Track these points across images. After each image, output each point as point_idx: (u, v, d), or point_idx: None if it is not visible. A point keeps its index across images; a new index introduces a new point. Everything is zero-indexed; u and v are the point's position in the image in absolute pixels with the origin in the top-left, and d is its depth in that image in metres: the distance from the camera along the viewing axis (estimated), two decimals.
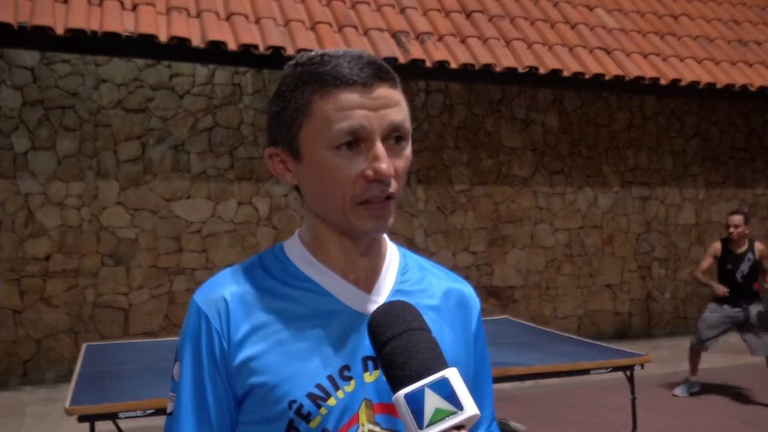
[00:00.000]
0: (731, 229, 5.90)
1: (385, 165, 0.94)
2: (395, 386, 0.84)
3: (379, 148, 0.94)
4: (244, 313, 0.98)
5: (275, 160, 1.03)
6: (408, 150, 1.00)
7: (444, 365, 0.84)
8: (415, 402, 0.82)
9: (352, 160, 0.95)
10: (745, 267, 5.90)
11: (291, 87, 0.99)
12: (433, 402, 0.81)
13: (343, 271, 1.03)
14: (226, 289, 1.00)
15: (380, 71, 0.97)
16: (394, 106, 0.97)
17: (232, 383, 0.98)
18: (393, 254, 1.09)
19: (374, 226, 0.97)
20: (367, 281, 1.04)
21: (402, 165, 0.98)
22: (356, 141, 0.95)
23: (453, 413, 0.81)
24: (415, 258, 1.14)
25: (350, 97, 0.94)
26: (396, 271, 1.08)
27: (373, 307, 1.00)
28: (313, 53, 1.00)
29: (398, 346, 0.86)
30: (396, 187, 0.97)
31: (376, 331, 0.89)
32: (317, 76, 0.96)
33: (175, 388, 1.00)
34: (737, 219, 5.89)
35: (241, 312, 0.98)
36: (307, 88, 0.97)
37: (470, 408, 0.81)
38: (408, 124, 0.99)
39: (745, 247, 5.94)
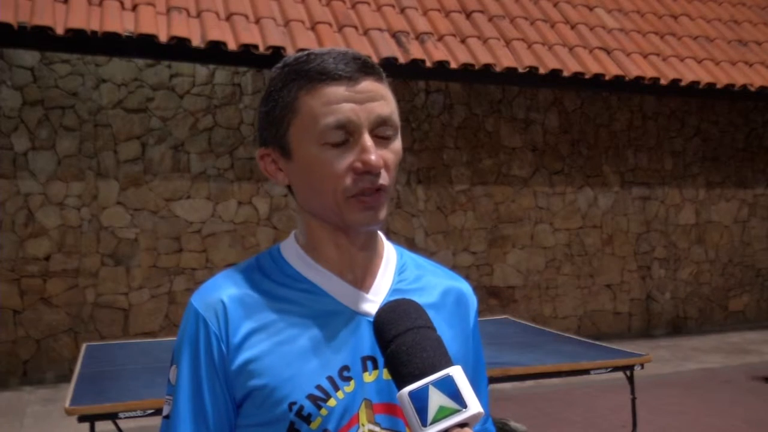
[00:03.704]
0: None
1: (374, 156, 0.94)
2: (399, 384, 0.84)
3: (367, 140, 0.95)
4: (243, 316, 0.98)
5: (267, 160, 1.04)
6: (397, 144, 1.00)
7: (448, 363, 0.84)
8: (419, 399, 0.82)
9: (341, 154, 0.95)
10: None
11: (278, 87, 1.00)
12: (437, 400, 0.81)
13: (340, 271, 1.03)
14: (223, 291, 1.00)
15: (365, 65, 0.98)
16: (380, 99, 0.97)
17: (230, 387, 0.97)
18: (390, 253, 1.09)
19: (366, 218, 0.97)
20: (365, 281, 1.04)
21: (392, 158, 0.98)
22: (345, 137, 0.95)
23: (457, 411, 0.81)
24: (412, 256, 1.14)
25: (336, 91, 0.95)
26: (394, 270, 1.08)
27: (371, 307, 1.01)
28: (300, 53, 1.01)
29: (403, 344, 0.86)
30: (387, 180, 0.97)
31: (381, 328, 0.89)
32: (303, 74, 0.97)
33: (172, 391, 1.00)
34: None
35: (239, 315, 0.98)
36: (293, 85, 0.98)
37: (474, 406, 0.81)
38: (396, 118, 0.99)
39: None
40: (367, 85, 0.96)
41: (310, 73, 0.96)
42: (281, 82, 0.99)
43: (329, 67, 0.96)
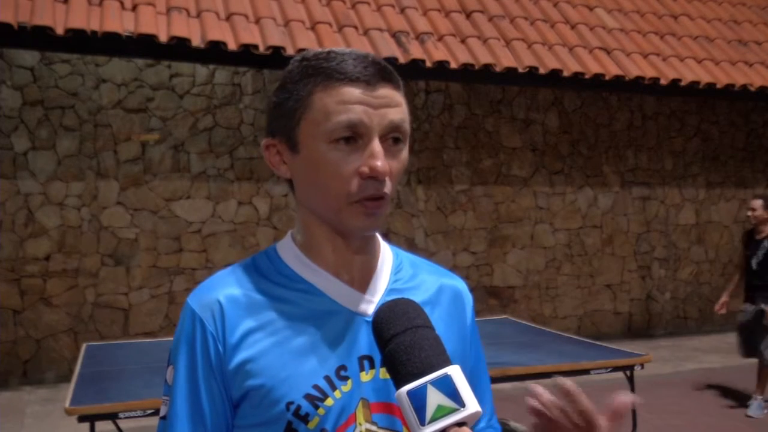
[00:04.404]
0: (749, 213, 5.70)
1: (380, 162, 0.94)
2: (398, 383, 0.84)
3: (377, 145, 0.95)
4: (239, 316, 0.98)
5: (272, 151, 1.03)
6: (405, 153, 1.00)
7: (447, 362, 0.84)
8: (418, 399, 0.82)
9: (349, 155, 0.95)
10: (760, 254, 5.58)
11: (295, 80, 0.99)
12: (435, 399, 0.81)
13: (337, 271, 1.03)
14: (220, 291, 1.00)
15: (384, 71, 0.98)
16: (395, 106, 0.97)
17: (227, 387, 0.97)
18: (386, 253, 1.09)
19: (365, 224, 0.97)
20: (362, 281, 1.04)
21: (397, 167, 0.98)
22: (354, 137, 0.95)
23: (455, 410, 0.81)
24: (407, 255, 1.14)
25: (352, 92, 0.95)
26: (390, 269, 1.08)
27: (368, 307, 1.01)
28: (320, 50, 1.01)
29: (401, 343, 0.86)
30: (390, 188, 0.97)
31: (380, 328, 0.89)
32: (321, 70, 0.97)
33: (169, 391, 1.00)
34: (755, 203, 5.65)
35: (236, 315, 0.98)
36: (310, 81, 0.97)
37: (472, 405, 0.81)
38: (407, 127, 0.99)
39: (765, 234, 5.63)
40: (384, 91, 0.96)
41: (328, 70, 0.96)
42: (298, 75, 0.99)
43: (348, 68, 0.95)
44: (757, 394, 5.61)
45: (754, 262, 5.63)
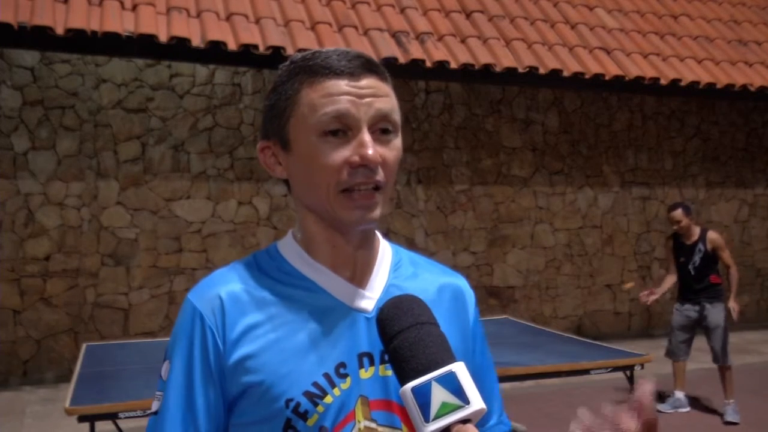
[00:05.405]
0: (674, 226, 5.66)
1: (371, 151, 0.94)
2: (402, 379, 0.84)
3: (366, 135, 0.95)
4: (240, 312, 0.98)
5: (266, 153, 1.04)
6: (397, 142, 1.00)
7: (451, 359, 0.84)
8: (422, 395, 0.81)
9: (339, 147, 0.96)
10: (696, 258, 5.62)
11: (283, 81, 1.01)
12: (439, 395, 0.81)
13: (336, 268, 1.03)
14: (221, 287, 1.00)
15: (368, 63, 0.99)
16: (382, 96, 0.98)
17: (225, 384, 0.97)
18: (385, 250, 1.09)
19: (359, 216, 0.97)
20: (361, 277, 1.04)
21: (390, 155, 0.98)
22: (343, 129, 0.96)
23: (459, 407, 0.80)
24: (407, 253, 1.14)
25: (337, 84, 0.96)
26: (389, 266, 1.08)
27: (367, 303, 1.01)
28: (306, 52, 1.03)
29: (406, 340, 0.86)
30: (383, 177, 0.97)
31: (384, 324, 0.89)
32: (307, 68, 0.99)
33: (163, 387, 0.99)
34: (677, 214, 5.61)
35: (236, 310, 0.98)
36: (297, 79, 0.99)
37: (477, 402, 0.81)
38: (396, 117, 1.00)
39: (695, 238, 5.65)
40: (369, 81, 0.97)
41: (314, 67, 0.98)
42: (286, 76, 1.01)
43: (332, 62, 0.97)
44: (729, 399, 5.51)
45: (691, 268, 5.67)
